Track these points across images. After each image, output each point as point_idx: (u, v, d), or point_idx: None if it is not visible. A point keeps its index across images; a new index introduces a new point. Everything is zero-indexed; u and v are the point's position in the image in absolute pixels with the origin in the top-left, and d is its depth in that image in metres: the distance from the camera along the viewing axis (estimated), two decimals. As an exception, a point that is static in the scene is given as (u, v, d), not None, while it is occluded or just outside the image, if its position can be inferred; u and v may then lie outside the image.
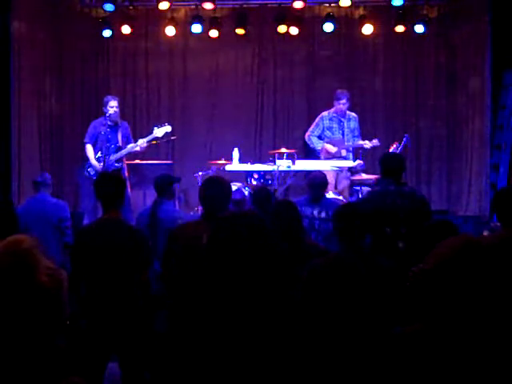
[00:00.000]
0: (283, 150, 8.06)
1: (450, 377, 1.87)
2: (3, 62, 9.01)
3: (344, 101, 8.25)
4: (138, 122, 10.10)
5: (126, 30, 9.68)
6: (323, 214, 5.80)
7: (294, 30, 9.72)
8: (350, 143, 8.34)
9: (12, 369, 1.75)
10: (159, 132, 7.85)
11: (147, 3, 9.92)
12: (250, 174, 8.14)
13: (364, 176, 8.13)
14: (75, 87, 10.28)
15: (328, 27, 9.57)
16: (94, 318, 3.90)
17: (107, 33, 9.61)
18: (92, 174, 7.66)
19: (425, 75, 10.16)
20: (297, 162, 7.92)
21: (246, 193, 7.11)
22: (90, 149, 7.79)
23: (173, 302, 3.83)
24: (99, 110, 8.16)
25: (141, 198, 7.86)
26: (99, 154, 7.71)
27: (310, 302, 3.46)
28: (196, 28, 9.56)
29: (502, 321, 1.88)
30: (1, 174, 9.04)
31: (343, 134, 8.35)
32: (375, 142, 8.37)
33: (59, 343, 1.82)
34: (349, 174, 8.26)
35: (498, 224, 4.36)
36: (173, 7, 9.67)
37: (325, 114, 8.44)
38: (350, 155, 8.40)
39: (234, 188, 7.14)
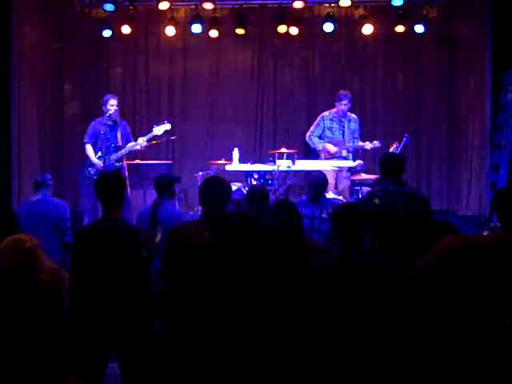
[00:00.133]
0: (283, 150, 8.06)
1: (439, 379, 1.87)
2: (3, 63, 9.02)
3: (345, 102, 8.25)
4: (137, 121, 10.09)
5: (125, 30, 9.68)
6: (324, 214, 5.81)
7: (293, 30, 9.73)
8: (350, 144, 8.34)
9: (12, 369, 1.75)
10: (159, 130, 7.85)
11: (147, 3, 9.92)
12: (250, 174, 8.15)
13: (364, 176, 8.13)
14: (75, 87, 10.28)
15: (328, 27, 9.57)
16: (94, 318, 3.90)
17: (107, 33, 9.61)
18: (93, 173, 7.67)
19: (425, 75, 10.16)
20: (297, 162, 7.93)
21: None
22: (90, 149, 7.80)
23: (172, 300, 3.83)
24: (99, 110, 8.17)
25: (141, 198, 7.86)
26: (99, 154, 7.71)
27: (308, 300, 3.46)
28: (196, 28, 9.56)
29: (491, 322, 1.88)
30: (1, 174, 9.05)
31: (343, 135, 8.36)
32: (376, 143, 8.38)
33: (59, 342, 1.83)
34: (349, 174, 8.26)
35: (498, 224, 4.37)
36: (173, 7, 9.67)
37: (326, 114, 8.45)
38: (350, 155, 8.41)
39: (233, 188, 7.16)
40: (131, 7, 9.83)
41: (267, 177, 8.06)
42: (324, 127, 8.39)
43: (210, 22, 9.71)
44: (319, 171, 6.72)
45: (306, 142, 8.75)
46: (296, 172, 8.08)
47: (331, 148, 8.26)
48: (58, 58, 10.10)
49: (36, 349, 1.77)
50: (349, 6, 9.65)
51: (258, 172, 8.09)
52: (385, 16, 9.75)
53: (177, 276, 3.85)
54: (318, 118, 8.50)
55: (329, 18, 9.60)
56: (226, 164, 8.23)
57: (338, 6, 9.63)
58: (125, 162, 7.85)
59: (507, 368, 1.84)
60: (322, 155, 8.35)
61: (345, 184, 8.24)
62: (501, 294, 1.88)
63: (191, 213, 8.11)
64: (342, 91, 8.38)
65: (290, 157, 8.01)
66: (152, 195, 6.26)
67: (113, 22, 9.62)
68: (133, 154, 8.08)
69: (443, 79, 10.08)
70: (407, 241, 4.70)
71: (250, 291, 2.03)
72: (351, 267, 3.45)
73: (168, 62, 10.35)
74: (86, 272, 3.93)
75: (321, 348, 3.30)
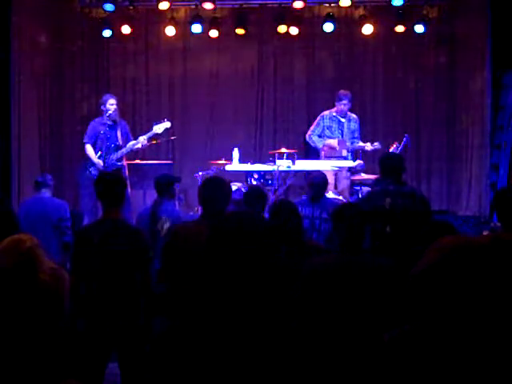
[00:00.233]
0: (283, 149, 8.06)
1: (439, 379, 1.87)
2: (3, 63, 9.02)
3: (345, 101, 8.25)
4: (137, 121, 10.10)
5: (125, 30, 9.69)
6: (324, 214, 5.81)
7: (293, 30, 9.73)
8: (349, 144, 8.34)
9: (12, 369, 1.75)
10: (159, 128, 7.85)
11: (147, 3, 9.92)
12: (250, 174, 8.15)
13: (364, 176, 8.14)
14: (75, 87, 10.28)
15: (328, 27, 9.57)
16: (94, 318, 3.90)
17: (107, 33, 9.61)
18: (94, 173, 7.66)
19: (425, 75, 10.16)
20: (297, 162, 7.93)
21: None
22: (90, 149, 7.79)
23: (172, 299, 3.83)
24: (99, 110, 8.17)
25: (141, 198, 7.86)
26: (99, 154, 7.71)
27: (308, 300, 3.46)
28: (196, 28, 9.57)
29: (489, 322, 1.87)
30: (1, 174, 9.05)
31: (342, 135, 8.36)
32: (376, 144, 8.37)
33: (59, 342, 1.83)
34: (349, 174, 8.26)
35: (498, 224, 4.37)
36: (173, 7, 9.67)
37: (326, 113, 8.45)
38: (349, 155, 8.41)
39: (234, 188, 7.16)
40: (131, 7, 9.83)
41: (267, 177, 8.06)
42: (323, 126, 8.39)
43: (209, 21, 9.72)
44: (319, 171, 6.72)
45: (306, 142, 8.75)
46: (296, 172, 8.08)
47: (333, 142, 8.24)
48: (58, 57, 10.10)
49: (35, 349, 1.77)
50: (349, 6, 9.65)
51: (258, 172, 8.09)
52: (385, 16, 9.75)
53: (177, 276, 3.85)
54: (318, 118, 8.50)
55: (329, 18, 9.60)
56: (226, 164, 8.23)
57: (338, 5, 9.63)
58: (125, 162, 7.85)
59: (507, 368, 1.84)
60: (323, 154, 8.34)
61: (345, 184, 8.24)
62: (501, 294, 1.87)
63: (191, 213, 8.13)
64: (342, 91, 8.38)
65: (289, 157, 8.01)
66: (152, 195, 6.27)
67: (113, 22, 9.63)
68: (133, 154, 8.08)
69: (443, 79, 10.08)
70: (407, 241, 4.72)
71: (250, 291, 2.03)
72: (351, 267, 3.45)
73: (168, 62, 10.35)
74: (86, 272, 3.93)
75: (321, 348, 3.30)
